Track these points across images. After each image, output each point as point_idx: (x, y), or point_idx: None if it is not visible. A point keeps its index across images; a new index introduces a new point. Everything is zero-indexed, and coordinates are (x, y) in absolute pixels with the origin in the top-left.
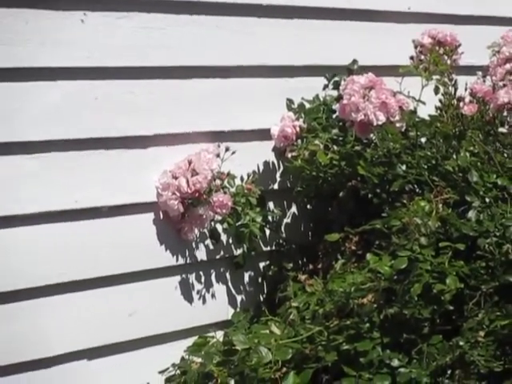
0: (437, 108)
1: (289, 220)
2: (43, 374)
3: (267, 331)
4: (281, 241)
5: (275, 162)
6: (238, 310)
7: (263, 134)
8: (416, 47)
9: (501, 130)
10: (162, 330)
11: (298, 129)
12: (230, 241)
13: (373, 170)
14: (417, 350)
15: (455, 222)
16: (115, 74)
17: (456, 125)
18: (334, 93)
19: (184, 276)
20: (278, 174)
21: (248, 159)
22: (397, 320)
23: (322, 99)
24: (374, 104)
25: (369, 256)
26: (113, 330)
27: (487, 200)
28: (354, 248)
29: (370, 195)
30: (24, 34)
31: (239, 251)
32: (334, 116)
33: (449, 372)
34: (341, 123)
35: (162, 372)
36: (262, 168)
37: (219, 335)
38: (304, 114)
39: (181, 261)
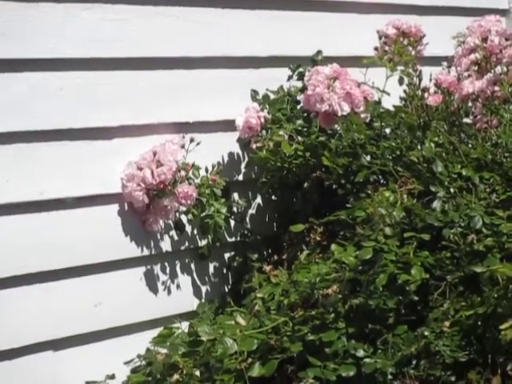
0: (401, 99)
1: (254, 211)
2: (9, 365)
3: (232, 322)
4: (246, 232)
5: (240, 153)
6: (203, 300)
7: (228, 125)
8: (380, 38)
9: (465, 120)
10: (127, 321)
11: (262, 120)
12: (195, 232)
13: (337, 161)
14: (382, 340)
15: (420, 212)
16: (80, 65)
17: (421, 115)
18: (299, 84)
19: (149, 267)
20: (242, 165)
21: (213, 150)
22: (362, 310)
23: (286, 90)
24: (339, 94)
25: (333, 247)
26: (78, 321)
27: (452, 190)
28: (318, 239)
29: (334, 186)
30: None
31: (204, 242)
32: (298, 107)
33: (414, 362)
34: (305, 114)
35: (127, 363)
36: (226, 159)
37: (184, 326)
38: (268, 105)
39: (146, 252)
